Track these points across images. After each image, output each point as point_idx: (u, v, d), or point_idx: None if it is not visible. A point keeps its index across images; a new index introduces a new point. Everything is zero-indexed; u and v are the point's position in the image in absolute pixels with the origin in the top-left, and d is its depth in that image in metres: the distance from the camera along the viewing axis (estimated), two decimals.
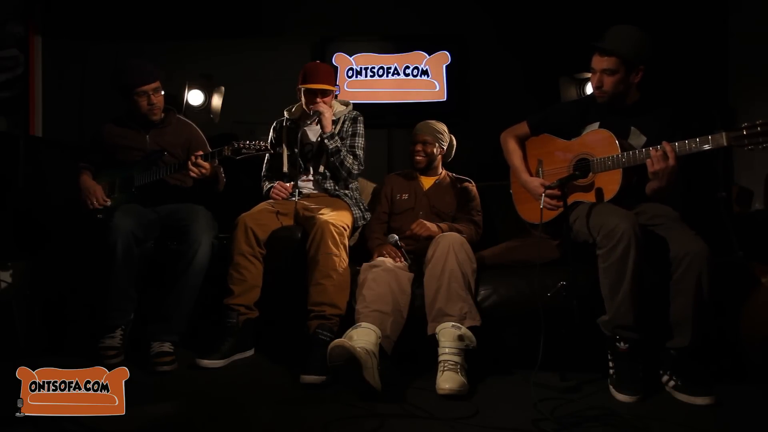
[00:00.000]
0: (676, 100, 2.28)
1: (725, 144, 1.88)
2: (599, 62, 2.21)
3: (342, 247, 2.39)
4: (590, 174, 2.23)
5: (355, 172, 2.79)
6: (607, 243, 1.99)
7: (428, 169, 2.93)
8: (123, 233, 2.37)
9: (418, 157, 2.89)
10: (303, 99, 2.81)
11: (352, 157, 2.77)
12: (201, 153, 2.54)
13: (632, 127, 2.24)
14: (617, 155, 2.13)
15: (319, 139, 2.78)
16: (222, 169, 2.82)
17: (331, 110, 2.76)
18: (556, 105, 2.67)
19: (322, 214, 2.52)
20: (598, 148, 2.20)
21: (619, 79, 2.19)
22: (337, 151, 2.71)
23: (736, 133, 1.86)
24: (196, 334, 2.44)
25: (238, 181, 2.97)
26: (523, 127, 2.52)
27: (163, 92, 2.73)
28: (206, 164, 2.54)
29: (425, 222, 2.64)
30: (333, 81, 2.81)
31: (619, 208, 2.08)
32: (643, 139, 2.21)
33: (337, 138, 2.74)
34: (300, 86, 2.78)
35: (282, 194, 2.76)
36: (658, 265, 2.01)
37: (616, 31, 2.20)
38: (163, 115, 2.79)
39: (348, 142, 2.82)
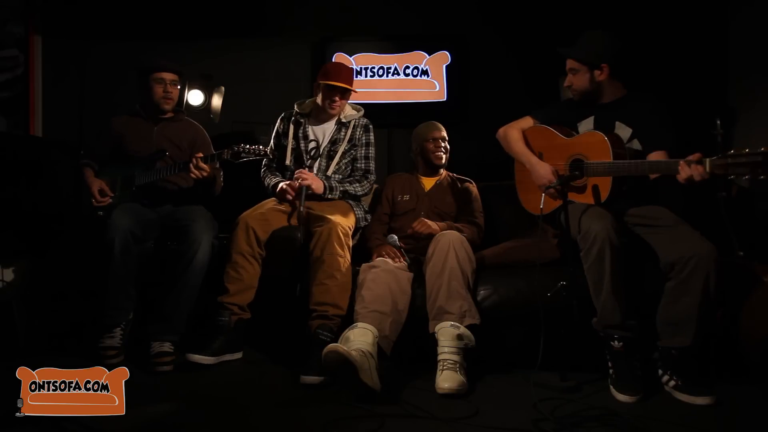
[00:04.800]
0: (655, 91, 2.35)
1: (708, 170, 1.84)
2: (567, 63, 2.36)
3: (346, 247, 2.40)
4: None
5: (362, 193, 2.79)
6: (584, 245, 2.04)
7: (439, 167, 2.93)
8: (121, 231, 2.37)
9: (439, 153, 2.87)
10: (320, 95, 2.77)
11: (357, 183, 2.76)
12: (201, 155, 2.55)
13: (617, 122, 2.28)
14: (609, 163, 2.12)
15: (323, 141, 2.77)
16: (221, 173, 2.82)
17: (317, 181, 2.65)
18: (555, 102, 2.77)
19: (328, 215, 2.50)
20: (592, 152, 2.20)
21: (582, 77, 2.30)
22: (345, 193, 2.72)
23: (720, 160, 1.82)
24: (194, 333, 2.44)
25: (238, 181, 2.97)
26: (527, 122, 2.52)
27: (179, 87, 2.79)
28: (206, 166, 2.54)
29: (426, 220, 2.64)
30: (352, 83, 2.79)
31: (601, 210, 2.10)
32: (629, 131, 2.25)
33: (335, 187, 2.69)
34: (321, 82, 2.73)
35: (290, 194, 2.64)
36: (660, 266, 2.01)
37: (581, 36, 2.34)
38: (173, 114, 2.83)
39: (362, 152, 2.81)
